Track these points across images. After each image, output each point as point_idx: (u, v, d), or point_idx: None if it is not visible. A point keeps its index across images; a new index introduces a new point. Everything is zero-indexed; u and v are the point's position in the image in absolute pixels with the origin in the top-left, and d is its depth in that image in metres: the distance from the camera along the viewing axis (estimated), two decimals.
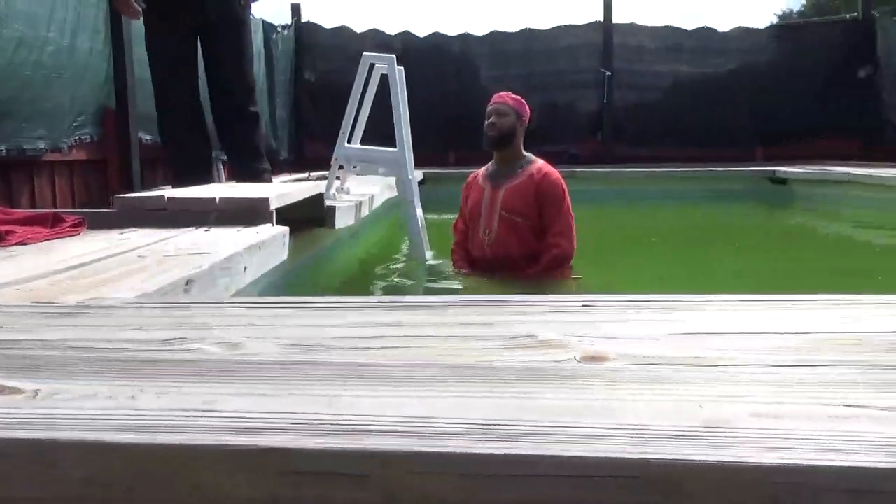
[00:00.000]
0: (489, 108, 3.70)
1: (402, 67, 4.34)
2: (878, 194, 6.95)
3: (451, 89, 10.01)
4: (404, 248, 5.48)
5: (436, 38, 10.51)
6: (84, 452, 0.51)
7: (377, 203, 4.71)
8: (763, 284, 3.74)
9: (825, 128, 9.91)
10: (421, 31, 10.56)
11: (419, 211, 4.17)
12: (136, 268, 1.64)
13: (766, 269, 4.41)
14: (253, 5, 4.06)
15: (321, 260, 3.71)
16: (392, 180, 5.54)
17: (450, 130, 9.52)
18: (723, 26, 10.72)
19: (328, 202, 3.29)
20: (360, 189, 4.74)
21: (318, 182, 3.44)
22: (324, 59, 10.33)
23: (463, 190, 3.92)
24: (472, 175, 3.92)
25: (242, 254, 1.98)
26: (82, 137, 4.91)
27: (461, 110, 9.97)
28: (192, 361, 0.78)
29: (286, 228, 2.48)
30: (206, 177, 3.77)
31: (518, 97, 3.73)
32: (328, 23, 10.48)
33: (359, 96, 4.14)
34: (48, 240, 2.11)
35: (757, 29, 10.80)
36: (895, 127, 9.32)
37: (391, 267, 4.26)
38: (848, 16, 10.32)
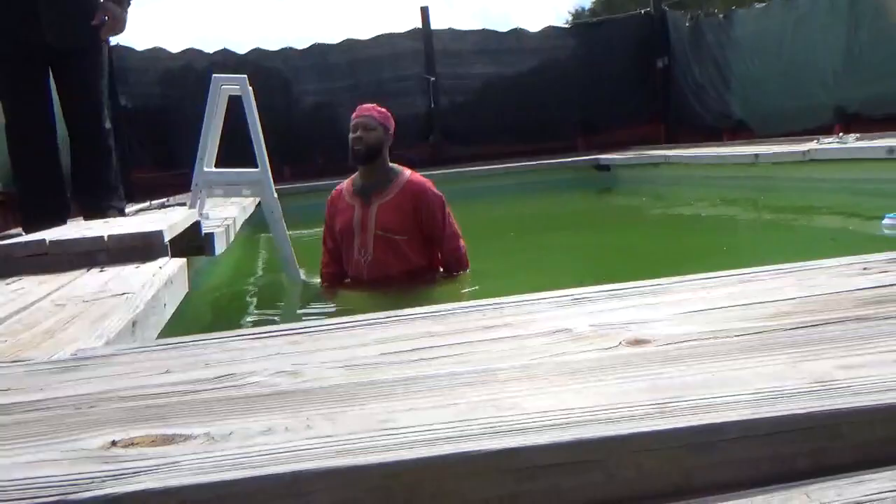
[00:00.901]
0: (354, 121, 3.58)
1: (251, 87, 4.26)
2: (690, 172, 7.67)
3: (277, 104, 9.85)
4: (260, 266, 5.38)
5: (257, 53, 10.33)
6: (332, 478, 0.52)
7: (238, 225, 4.60)
8: (628, 260, 4.04)
9: (634, 115, 10.77)
10: (240, 48, 10.34)
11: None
12: (67, 316, 1.55)
13: (619, 247, 4.75)
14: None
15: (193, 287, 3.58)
16: (245, 201, 5.44)
17: (281, 146, 9.38)
18: (532, 27, 11.30)
19: (205, 229, 3.19)
20: (216, 213, 4.61)
21: (193, 210, 3.31)
22: (139, 82, 9.87)
23: (327, 207, 3.77)
24: (335, 190, 3.77)
25: (162, 290, 1.91)
26: None
27: (290, 125, 9.89)
28: (288, 392, 0.78)
29: (184, 260, 2.40)
30: (60, 218, 3.51)
31: (383, 110, 3.65)
32: (140, 44, 9.98)
33: (213, 119, 4.02)
34: None
35: (564, 28, 11.52)
36: (694, 110, 10.26)
37: (266, 288, 4.18)
38: (642, 11, 11.22)
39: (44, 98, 3.61)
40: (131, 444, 0.60)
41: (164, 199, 6.62)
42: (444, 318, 1.13)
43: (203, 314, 3.47)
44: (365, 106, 3.67)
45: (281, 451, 0.57)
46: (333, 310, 3.64)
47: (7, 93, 3.56)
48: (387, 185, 3.56)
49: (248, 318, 3.56)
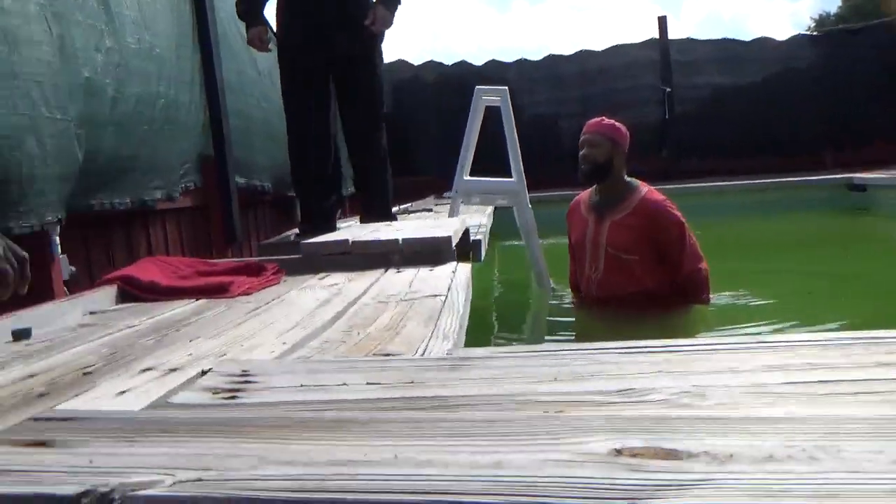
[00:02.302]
0: (581, 138, 3.44)
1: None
2: None
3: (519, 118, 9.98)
4: (506, 274, 5.45)
5: (492, 65, 10.59)
6: None
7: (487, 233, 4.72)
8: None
9: (889, 130, 9.80)
10: (477, 60, 10.68)
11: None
12: (396, 314, 1.65)
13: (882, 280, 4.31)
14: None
15: None
16: (487, 210, 5.58)
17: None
18: (769, 34, 10.65)
19: (472, 236, 3.29)
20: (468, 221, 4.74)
21: (464, 217, 3.45)
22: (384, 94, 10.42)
23: (567, 217, 3.71)
24: (574, 201, 3.70)
25: (467, 293, 1.99)
26: (187, 185, 5.00)
27: (522, 135, 10.00)
28: (723, 418, 0.77)
29: (470, 265, 2.49)
30: (331, 220, 3.77)
31: (612, 122, 3.46)
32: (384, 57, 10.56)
33: (474, 129, 4.16)
34: (262, 288, 2.14)
35: (813, 36, 10.77)
36: None
37: (519, 299, 4.24)
38: None
39: (327, 104, 3.83)
40: (636, 454, 0.61)
41: (408, 205, 6.95)
42: (834, 349, 1.07)
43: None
44: (592, 121, 3.49)
45: (811, 482, 0.55)
46: (598, 322, 3.58)
47: (294, 101, 3.82)
48: (621, 201, 3.38)
49: (505, 330, 3.60)
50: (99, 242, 4.15)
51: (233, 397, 0.97)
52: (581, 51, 10.61)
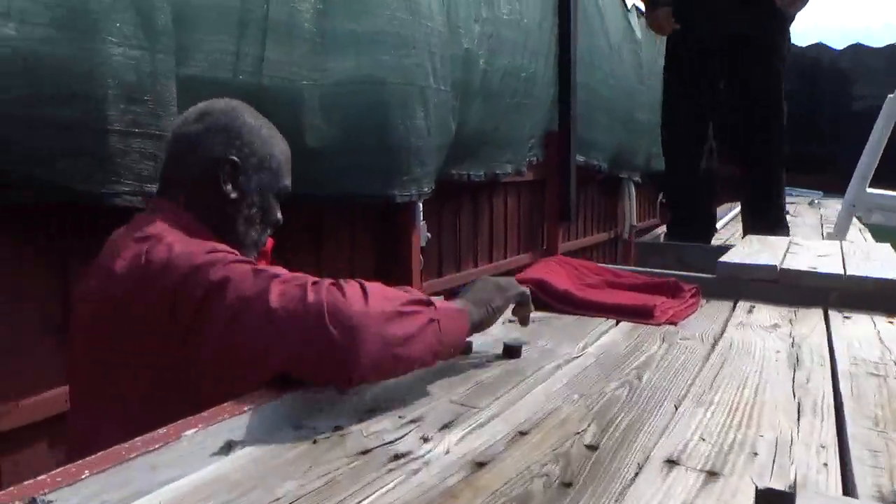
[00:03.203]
0: None
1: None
2: None
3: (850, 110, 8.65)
4: None
5: (817, 49, 9.33)
6: None
7: None
8: None
9: None
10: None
11: None
12: None
13: None
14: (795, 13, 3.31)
15: None
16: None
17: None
18: None
19: None
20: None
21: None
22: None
23: None
24: None
25: None
26: (531, 159, 4.89)
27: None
28: None
29: None
30: (711, 226, 3.33)
31: None
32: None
33: (885, 135, 3.49)
34: (685, 317, 1.83)
35: None
36: None
37: None
38: None
39: (711, 92, 3.39)
40: None
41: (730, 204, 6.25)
42: None
43: None
44: None
45: None
46: None
47: (675, 86, 3.42)
48: None
49: None
50: (450, 210, 4.16)
51: None
52: None
